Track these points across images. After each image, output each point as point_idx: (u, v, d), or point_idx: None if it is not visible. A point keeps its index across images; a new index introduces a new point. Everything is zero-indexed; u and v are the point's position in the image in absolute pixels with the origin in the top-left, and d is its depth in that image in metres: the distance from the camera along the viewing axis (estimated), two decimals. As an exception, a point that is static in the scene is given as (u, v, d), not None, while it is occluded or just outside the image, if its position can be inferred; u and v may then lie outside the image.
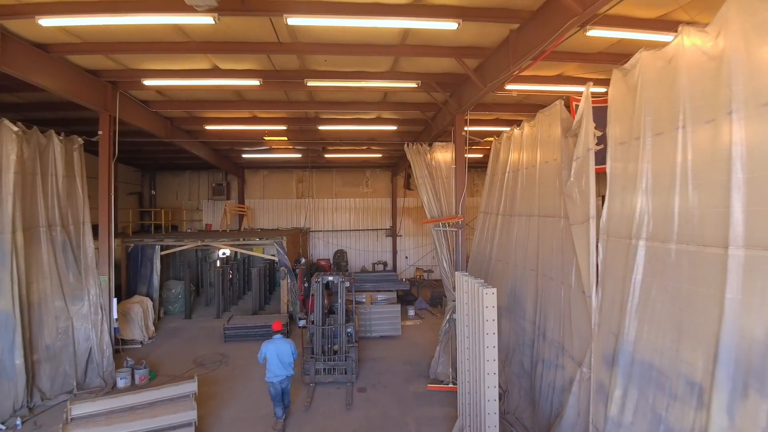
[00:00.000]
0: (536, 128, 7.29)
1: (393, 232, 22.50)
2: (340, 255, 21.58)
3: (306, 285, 14.18)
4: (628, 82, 4.89)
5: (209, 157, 16.96)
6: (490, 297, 5.30)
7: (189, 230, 19.67)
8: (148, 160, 19.37)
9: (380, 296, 14.76)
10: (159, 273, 13.68)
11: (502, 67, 7.17)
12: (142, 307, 12.25)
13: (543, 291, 6.76)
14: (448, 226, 9.84)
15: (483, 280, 6.15)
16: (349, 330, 9.16)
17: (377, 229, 22.71)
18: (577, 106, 6.03)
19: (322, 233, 22.32)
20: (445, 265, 9.86)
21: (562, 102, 6.60)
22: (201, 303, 16.79)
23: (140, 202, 20.78)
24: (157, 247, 13.63)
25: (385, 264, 21.44)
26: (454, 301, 9.70)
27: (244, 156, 18.16)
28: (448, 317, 9.67)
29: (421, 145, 10.49)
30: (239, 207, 20.11)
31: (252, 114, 12.57)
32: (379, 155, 18.57)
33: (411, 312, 14.70)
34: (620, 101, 5.04)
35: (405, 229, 22.78)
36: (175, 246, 13.98)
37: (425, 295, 16.97)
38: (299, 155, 18.10)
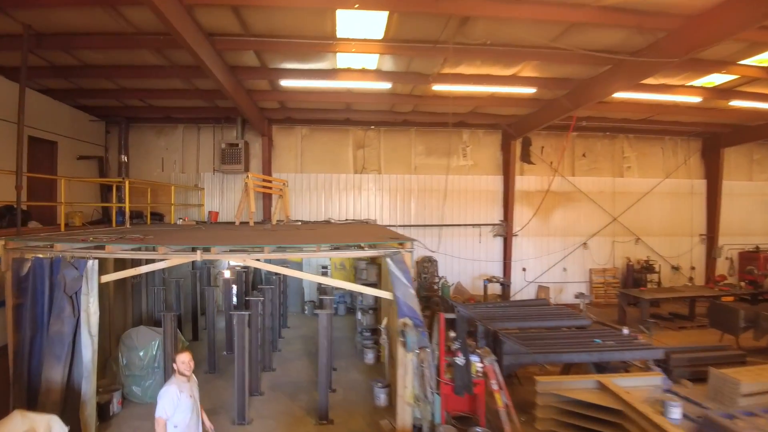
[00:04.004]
0: None
1: (507, 230, 14.22)
2: (427, 265, 13.36)
3: (460, 360, 5.90)
4: None
5: (222, 76, 8.51)
6: None
7: (180, 221, 11.41)
8: (107, 95, 10.96)
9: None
10: (96, 326, 5.42)
11: None
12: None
13: None
14: None
15: None
16: None
17: (479, 225, 14.44)
18: None
19: (394, 230, 14.05)
20: None
21: None
22: (201, 362, 8.57)
23: (102, 172, 12.47)
24: (91, 264, 5.35)
25: (502, 282, 13.18)
26: None
27: (282, 84, 9.80)
28: None
29: None
30: (265, 181, 11.66)
31: None
32: (532, 90, 10.26)
33: (675, 413, 6.42)
34: None
35: (522, 224, 14.54)
36: (139, 262, 5.71)
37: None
38: (387, 84, 9.77)
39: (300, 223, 12.01)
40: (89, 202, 11.66)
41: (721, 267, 15.80)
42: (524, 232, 14.51)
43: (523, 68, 9.44)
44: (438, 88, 9.88)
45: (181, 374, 4.34)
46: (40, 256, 5.54)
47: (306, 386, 7.81)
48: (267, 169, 13.13)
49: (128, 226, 8.82)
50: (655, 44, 7.81)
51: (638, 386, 6.68)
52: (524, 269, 14.48)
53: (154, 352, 7.06)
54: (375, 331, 9.36)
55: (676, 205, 15.60)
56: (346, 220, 13.40)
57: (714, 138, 15.21)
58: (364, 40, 7.88)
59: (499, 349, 6.95)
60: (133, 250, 5.63)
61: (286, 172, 13.51)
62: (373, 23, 7.19)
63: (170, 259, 5.43)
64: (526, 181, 14.57)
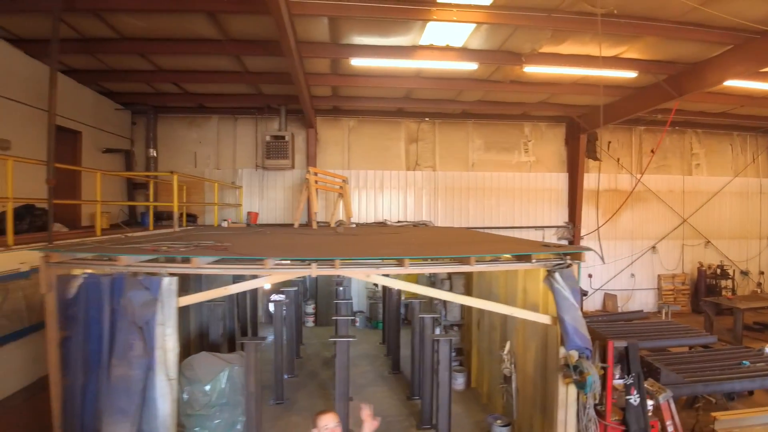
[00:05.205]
0: None
1: (574, 234, 12.91)
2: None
3: (634, 399, 4.58)
4: None
5: (294, 51, 7.14)
6: None
7: (225, 224, 10.01)
8: (137, 78, 9.54)
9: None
10: (175, 368, 4.02)
11: None
12: None
13: None
14: None
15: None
16: None
17: (543, 227, 13.11)
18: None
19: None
20: None
21: None
22: (263, 389, 7.14)
23: (128, 167, 11.03)
24: (167, 283, 3.94)
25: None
26: None
27: (353, 63, 8.40)
28: None
29: None
30: (321, 176, 10.17)
31: None
32: (632, 74, 8.92)
33: None
34: None
35: (588, 226, 13.23)
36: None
37: None
38: (473, 65, 8.39)
39: (354, 225, 10.63)
40: (116, 200, 10.23)
41: (791, 272, 14.61)
42: (590, 234, 13.19)
43: (628, 48, 8.15)
44: (530, 69, 8.52)
45: (324, 447, 2.97)
46: (93, 272, 4.14)
47: (398, 422, 6.43)
48: (312, 165, 11.73)
49: (176, 229, 7.39)
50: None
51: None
52: (590, 275, 13.16)
53: (223, 386, 5.65)
54: (460, 351, 8.03)
55: (744, 206, 14.41)
56: (399, 222, 12.02)
57: (782, 134, 14.07)
58: (468, 5, 6.53)
59: (652, 378, 5.63)
60: (217, 263, 4.24)
61: (332, 168, 12.11)
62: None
63: (273, 275, 4.04)
64: (592, 180, 13.25)
